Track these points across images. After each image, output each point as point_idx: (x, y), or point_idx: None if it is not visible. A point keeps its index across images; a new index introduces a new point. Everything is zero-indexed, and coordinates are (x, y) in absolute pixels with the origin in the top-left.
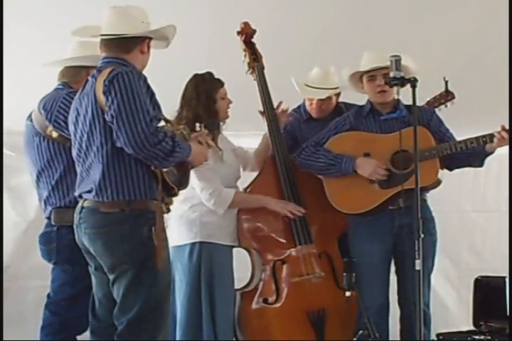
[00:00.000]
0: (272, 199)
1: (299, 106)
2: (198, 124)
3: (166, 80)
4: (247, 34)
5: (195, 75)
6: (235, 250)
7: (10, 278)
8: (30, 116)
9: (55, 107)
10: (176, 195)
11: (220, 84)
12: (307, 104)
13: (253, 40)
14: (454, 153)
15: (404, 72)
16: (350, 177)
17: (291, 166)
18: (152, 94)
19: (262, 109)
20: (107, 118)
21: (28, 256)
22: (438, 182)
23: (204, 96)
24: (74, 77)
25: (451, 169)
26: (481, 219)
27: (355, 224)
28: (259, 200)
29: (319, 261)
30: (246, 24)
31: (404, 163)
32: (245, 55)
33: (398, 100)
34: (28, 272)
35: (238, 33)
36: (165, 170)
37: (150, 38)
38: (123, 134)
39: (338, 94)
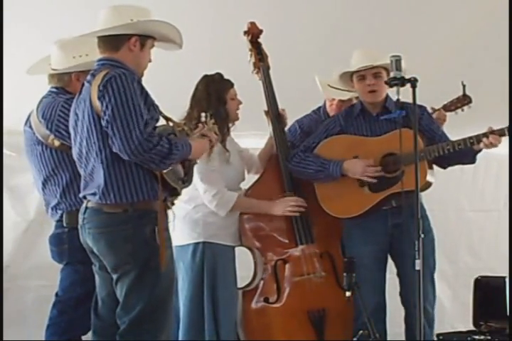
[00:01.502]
0: (273, 204)
1: (318, 108)
2: (203, 114)
3: (168, 81)
4: (253, 34)
5: (206, 76)
6: (237, 249)
7: (10, 277)
8: (28, 121)
9: (55, 116)
10: (178, 194)
11: (230, 84)
12: (327, 104)
13: (259, 40)
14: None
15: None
16: (341, 181)
17: None
18: (146, 95)
19: (265, 108)
20: (103, 123)
21: (27, 255)
22: (428, 185)
23: (214, 96)
24: (58, 82)
25: (444, 167)
26: (479, 218)
27: (348, 226)
28: (262, 207)
29: (321, 261)
30: (253, 24)
31: (393, 165)
32: (251, 55)
33: (398, 100)
34: (28, 272)
35: (245, 32)
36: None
37: (147, 37)
38: (117, 140)
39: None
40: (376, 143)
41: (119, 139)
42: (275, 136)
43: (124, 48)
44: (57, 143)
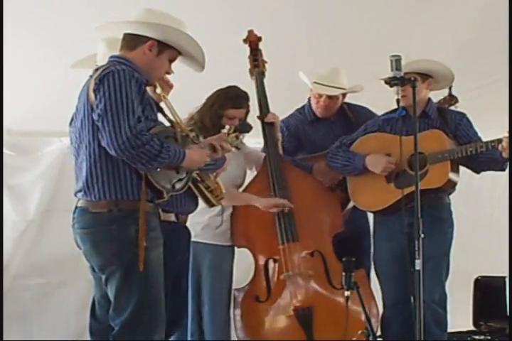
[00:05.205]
0: (257, 198)
1: (302, 107)
2: (227, 127)
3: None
4: (251, 42)
5: (229, 86)
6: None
7: (9, 277)
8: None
9: None
10: (164, 198)
11: (234, 105)
12: (313, 101)
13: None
14: (469, 156)
15: None
16: (370, 177)
17: (282, 167)
18: (144, 94)
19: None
20: (94, 117)
21: (27, 255)
22: (453, 184)
23: (215, 107)
24: None
25: (477, 172)
26: (470, 214)
27: (374, 223)
28: (245, 199)
29: (310, 260)
30: (251, 32)
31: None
32: (249, 62)
33: (398, 100)
34: (27, 271)
35: (244, 40)
36: (158, 171)
37: (168, 46)
38: (106, 135)
39: (344, 96)
40: (408, 142)
41: (108, 133)
42: (264, 139)
43: (138, 49)
44: None
